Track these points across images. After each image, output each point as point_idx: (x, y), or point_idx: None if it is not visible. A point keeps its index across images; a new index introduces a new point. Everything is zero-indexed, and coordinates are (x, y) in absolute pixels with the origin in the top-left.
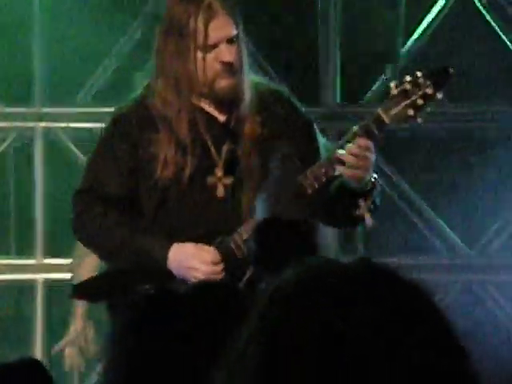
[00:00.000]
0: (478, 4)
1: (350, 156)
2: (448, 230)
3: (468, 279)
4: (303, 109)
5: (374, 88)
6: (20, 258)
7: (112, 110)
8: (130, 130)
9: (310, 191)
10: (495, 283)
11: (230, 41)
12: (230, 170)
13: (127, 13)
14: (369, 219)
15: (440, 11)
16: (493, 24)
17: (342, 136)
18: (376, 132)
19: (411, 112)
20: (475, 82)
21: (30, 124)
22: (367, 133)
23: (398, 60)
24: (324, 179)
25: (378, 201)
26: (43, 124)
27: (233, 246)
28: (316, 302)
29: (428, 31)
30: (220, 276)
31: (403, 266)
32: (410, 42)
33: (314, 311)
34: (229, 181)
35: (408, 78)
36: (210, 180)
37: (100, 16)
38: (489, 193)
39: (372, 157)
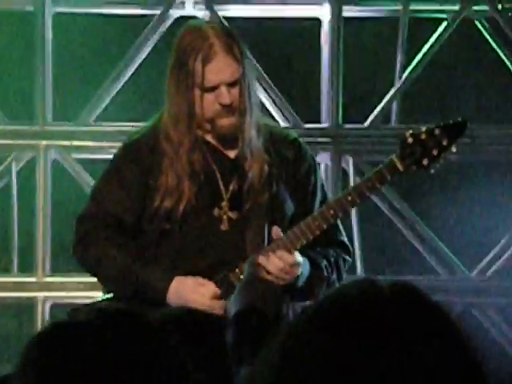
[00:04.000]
0: (479, 25)
1: (275, 268)
2: (448, 251)
3: (467, 302)
4: (313, 156)
5: (377, 110)
6: (21, 276)
7: (115, 129)
8: (141, 157)
9: (317, 232)
10: (495, 306)
11: (231, 84)
12: (235, 204)
13: (134, 32)
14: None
15: (441, 33)
16: (495, 48)
17: (340, 158)
18: (388, 178)
19: (425, 162)
20: (474, 105)
21: (33, 142)
22: (379, 178)
23: (400, 83)
24: (332, 220)
25: (318, 287)
26: (46, 142)
27: (234, 280)
28: (345, 326)
29: (430, 54)
30: (219, 312)
31: None
32: (412, 66)
33: (342, 335)
34: (234, 215)
35: (424, 129)
36: (216, 212)
37: (106, 34)
38: (490, 215)
39: (299, 271)
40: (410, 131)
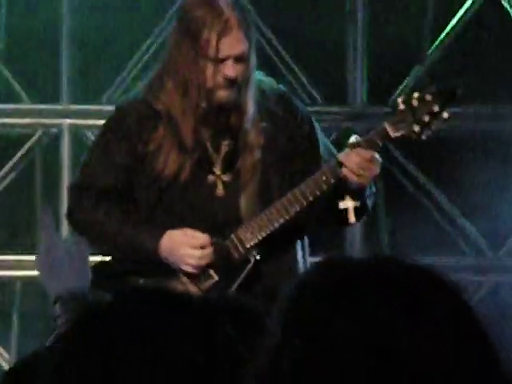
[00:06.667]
0: (506, 4)
1: (354, 163)
2: (474, 231)
3: (493, 281)
4: (305, 108)
5: (400, 88)
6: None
7: None
8: (130, 125)
9: (311, 198)
10: None
11: (238, 58)
12: (228, 167)
13: (155, 12)
14: (352, 216)
15: (466, 12)
16: None
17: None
18: (380, 144)
19: (416, 128)
20: (501, 82)
21: (57, 121)
22: (371, 144)
23: (424, 61)
24: (325, 187)
25: (368, 203)
26: (70, 121)
27: (229, 246)
28: (336, 303)
29: (455, 32)
30: (209, 259)
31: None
32: (436, 43)
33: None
34: (228, 178)
35: (416, 95)
36: (210, 178)
37: (128, 15)
38: None
39: (376, 169)
40: (402, 97)
